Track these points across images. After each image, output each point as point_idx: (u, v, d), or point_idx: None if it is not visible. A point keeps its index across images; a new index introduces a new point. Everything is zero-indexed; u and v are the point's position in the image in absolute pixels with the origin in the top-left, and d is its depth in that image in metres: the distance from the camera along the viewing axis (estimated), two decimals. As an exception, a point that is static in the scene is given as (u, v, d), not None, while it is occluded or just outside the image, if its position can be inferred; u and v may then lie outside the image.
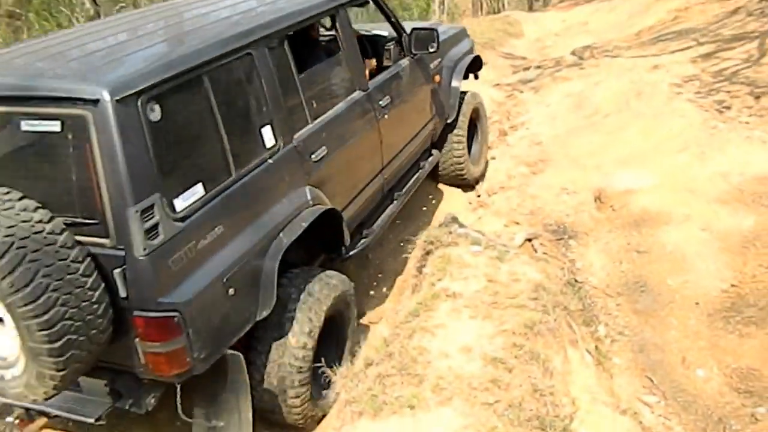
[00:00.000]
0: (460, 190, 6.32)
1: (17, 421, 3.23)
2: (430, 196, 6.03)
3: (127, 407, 2.89)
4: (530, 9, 27.76)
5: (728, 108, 6.77)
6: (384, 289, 4.80)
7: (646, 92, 7.71)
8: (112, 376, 2.87)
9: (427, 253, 4.26)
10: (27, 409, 3.12)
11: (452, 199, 6.10)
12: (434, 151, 5.50)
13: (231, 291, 2.82)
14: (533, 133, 7.58)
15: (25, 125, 2.60)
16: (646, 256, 4.64)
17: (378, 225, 4.39)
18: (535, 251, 4.67)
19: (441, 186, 6.24)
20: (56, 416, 3.04)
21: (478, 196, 6.16)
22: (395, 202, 4.68)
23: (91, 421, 2.85)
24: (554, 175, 6.22)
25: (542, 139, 7.30)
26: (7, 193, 2.46)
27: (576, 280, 4.51)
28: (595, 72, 9.43)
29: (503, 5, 34.07)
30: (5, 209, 2.37)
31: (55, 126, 2.54)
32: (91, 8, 17.57)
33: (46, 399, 2.64)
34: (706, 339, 3.97)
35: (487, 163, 6.53)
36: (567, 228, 5.26)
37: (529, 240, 4.82)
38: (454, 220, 4.50)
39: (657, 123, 6.59)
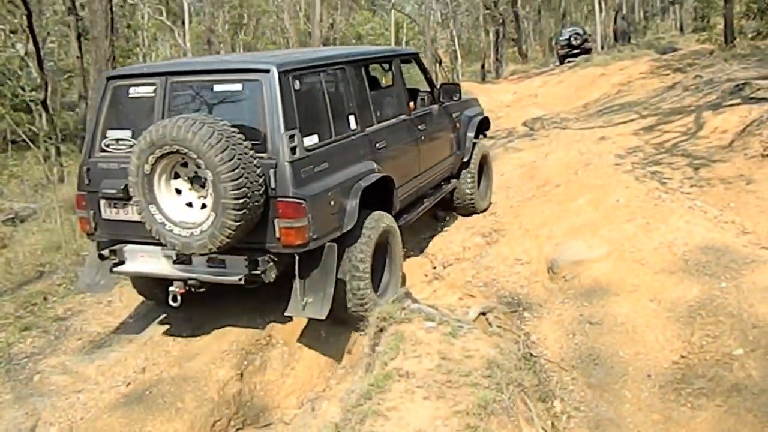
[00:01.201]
0: (416, 262, 6.30)
1: (178, 290, 4.44)
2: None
3: (259, 273, 4.19)
4: (483, 81, 28.67)
5: (670, 179, 6.98)
6: (337, 368, 4.68)
7: (593, 163, 7.91)
8: (250, 254, 4.22)
9: (381, 330, 4.17)
10: (185, 281, 4.44)
11: (408, 272, 6.06)
12: (453, 180, 6.94)
13: (332, 203, 4.39)
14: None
15: (218, 87, 4.42)
16: (599, 328, 4.64)
17: (413, 214, 5.83)
18: (490, 325, 4.63)
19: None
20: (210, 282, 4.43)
21: (434, 267, 6.14)
22: (425, 203, 6.16)
23: (235, 280, 4.26)
24: (508, 245, 6.25)
25: (496, 209, 7.39)
26: (213, 117, 4.13)
27: (531, 354, 4.48)
28: (546, 143, 9.69)
29: (457, 76, 35.08)
30: (215, 123, 3.97)
31: (237, 87, 4.37)
32: (38, 77, 17.60)
33: (218, 249, 4.07)
34: (659, 412, 3.94)
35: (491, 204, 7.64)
36: (521, 300, 5.26)
37: (483, 314, 4.78)
38: (407, 295, 4.44)
39: (604, 193, 6.73)
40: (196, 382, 4.39)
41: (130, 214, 4.46)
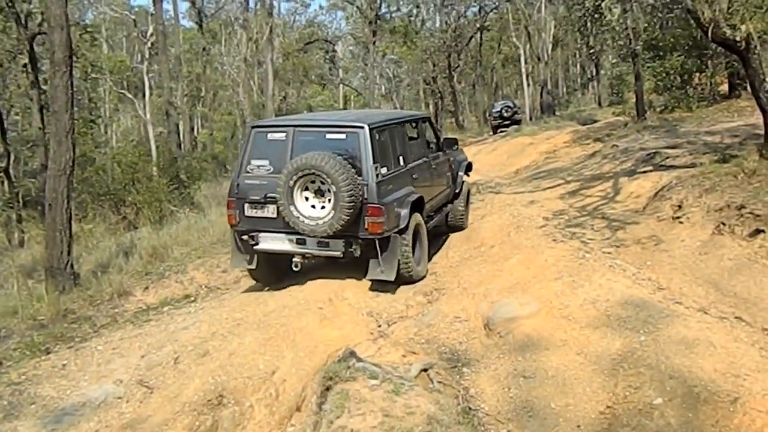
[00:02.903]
0: (362, 320, 6.25)
1: (299, 260, 6.53)
2: (330, 329, 5.91)
3: (352, 251, 6.37)
4: (425, 149, 29.14)
5: (592, 240, 7.18)
6: (287, 426, 4.53)
7: (524, 225, 8.09)
8: (346, 239, 6.34)
9: (327, 389, 4.10)
10: (303, 255, 6.54)
11: (354, 330, 6.00)
12: (449, 205, 8.61)
13: (395, 209, 6.41)
14: (429, 263, 7.73)
15: (329, 135, 6.47)
16: (532, 381, 4.66)
17: (430, 223, 7.53)
18: (431, 381, 4.60)
19: (344, 318, 6.15)
20: (319, 256, 6.64)
21: (379, 326, 6.09)
22: (435, 218, 7.90)
23: (337, 254, 6.43)
24: (448, 303, 6.25)
25: (437, 269, 7.44)
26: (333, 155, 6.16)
27: (470, 408, 4.44)
28: (482, 206, 9.88)
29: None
30: (336, 157, 6.11)
31: (342, 136, 6.44)
32: (2, 147, 17.19)
33: (330, 234, 6.19)
34: (589, 461, 3.93)
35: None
36: (460, 355, 5.25)
37: (425, 370, 4.75)
38: (352, 354, 4.40)
39: (534, 254, 6.87)
40: (147, 446, 4.20)
41: (265, 213, 6.51)
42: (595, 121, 21.57)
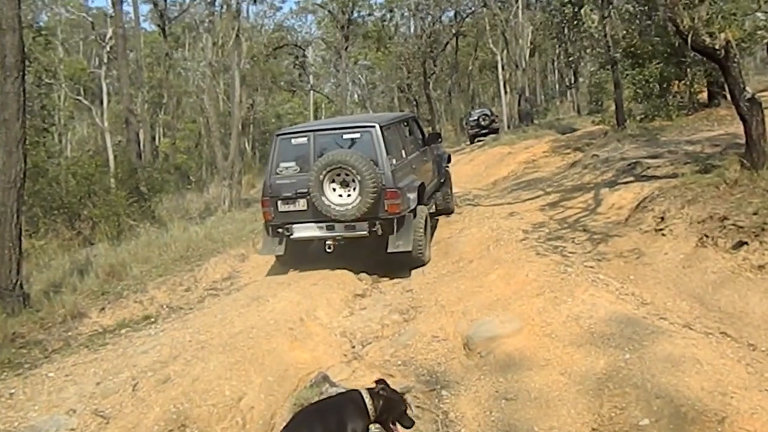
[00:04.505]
0: (335, 341, 6.18)
1: (332, 242, 7.84)
2: (301, 352, 5.83)
3: (375, 230, 7.66)
4: (399, 158, 29.21)
5: (574, 253, 7.21)
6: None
7: (503, 239, 8.12)
8: (369, 221, 7.62)
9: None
10: (334, 237, 7.83)
11: (327, 353, 5.93)
12: (438, 192, 10.17)
13: (407, 193, 7.85)
14: (405, 280, 7.71)
15: (345, 135, 8.06)
16: (514, 403, 4.63)
17: (428, 206, 8.92)
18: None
19: (316, 339, 6.08)
20: (348, 237, 7.84)
21: (353, 347, 6.03)
22: (431, 203, 9.29)
23: (364, 233, 7.73)
24: (425, 322, 6.23)
25: (413, 286, 7.42)
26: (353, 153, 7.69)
27: (449, 434, 4.40)
28: (459, 219, 9.92)
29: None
30: (357, 153, 7.54)
31: (357, 134, 7.97)
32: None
33: (356, 218, 7.54)
34: (574, 487, 3.91)
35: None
36: (439, 377, 5.21)
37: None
38: (325, 378, 4.33)
39: (515, 268, 6.88)
40: (102, 481, 4.07)
41: (296, 206, 7.81)
42: (575, 130, 21.78)
